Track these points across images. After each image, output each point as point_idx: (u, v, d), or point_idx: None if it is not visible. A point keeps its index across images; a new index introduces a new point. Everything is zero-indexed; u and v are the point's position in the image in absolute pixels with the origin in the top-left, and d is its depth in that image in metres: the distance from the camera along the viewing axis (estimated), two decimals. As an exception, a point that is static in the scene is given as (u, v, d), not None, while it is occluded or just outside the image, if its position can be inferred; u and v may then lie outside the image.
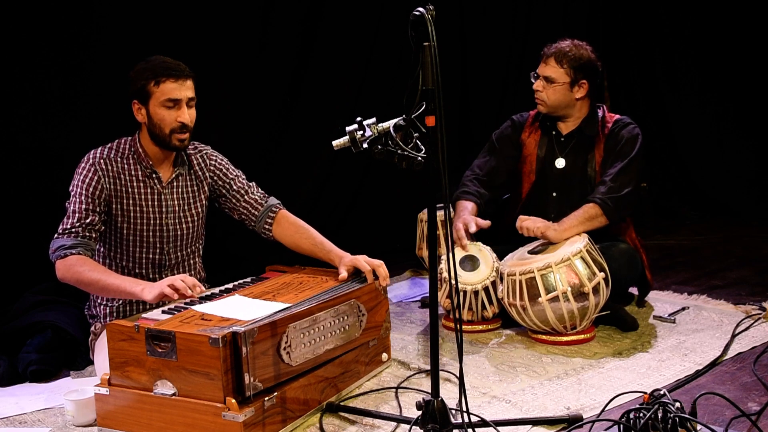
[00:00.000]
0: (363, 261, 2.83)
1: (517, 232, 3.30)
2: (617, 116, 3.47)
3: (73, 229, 2.69)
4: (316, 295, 2.63)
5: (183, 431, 2.28)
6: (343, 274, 2.82)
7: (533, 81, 3.44)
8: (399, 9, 4.09)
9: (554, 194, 3.46)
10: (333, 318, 2.57)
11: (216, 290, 2.75)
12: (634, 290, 3.65)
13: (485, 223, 3.32)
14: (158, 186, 2.86)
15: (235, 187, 3.01)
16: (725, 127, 5.74)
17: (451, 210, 3.21)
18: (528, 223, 3.24)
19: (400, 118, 2.30)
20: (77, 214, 2.71)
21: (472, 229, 3.29)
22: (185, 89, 2.76)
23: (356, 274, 2.87)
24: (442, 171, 2.11)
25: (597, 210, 3.22)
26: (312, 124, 4.50)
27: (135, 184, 2.83)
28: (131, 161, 2.84)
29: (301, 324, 2.43)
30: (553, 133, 3.48)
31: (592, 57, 3.39)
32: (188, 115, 2.78)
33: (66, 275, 2.64)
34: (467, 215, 3.36)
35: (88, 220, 2.71)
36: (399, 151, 2.27)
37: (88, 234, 2.70)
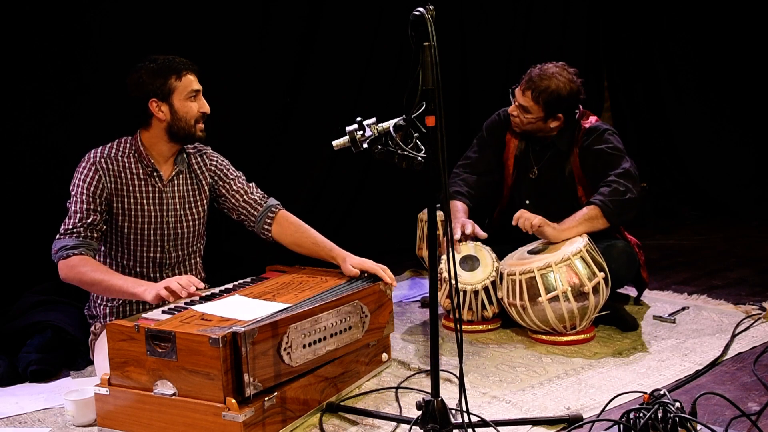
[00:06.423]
0: (372, 264, 2.85)
1: (514, 232, 3.30)
2: (588, 124, 3.37)
3: (75, 230, 2.69)
4: (316, 295, 2.63)
5: (183, 431, 2.28)
6: (355, 271, 2.82)
7: (511, 99, 3.39)
8: (399, 9, 4.08)
9: (527, 202, 3.46)
10: (335, 319, 2.56)
11: (216, 290, 2.75)
12: (629, 291, 3.65)
13: (483, 234, 3.32)
14: (159, 184, 2.87)
15: (234, 187, 3.01)
16: (725, 127, 5.75)
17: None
18: (527, 214, 3.19)
19: (400, 118, 2.30)
20: (78, 214, 2.71)
21: (468, 230, 3.30)
22: (197, 82, 2.85)
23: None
24: (442, 171, 2.11)
25: (597, 212, 3.20)
26: (312, 124, 4.50)
27: (136, 182, 2.83)
28: (132, 159, 2.84)
29: (303, 325, 2.42)
30: (530, 142, 3.46)
31: (572, 89, 3.27)
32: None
33: (69, 276, 2.64)
34: (464, 218, 3.37)
35: (89, 220, 2.71)
36: (399, 151, 2.27)
37: (90, 234, 2.70)
